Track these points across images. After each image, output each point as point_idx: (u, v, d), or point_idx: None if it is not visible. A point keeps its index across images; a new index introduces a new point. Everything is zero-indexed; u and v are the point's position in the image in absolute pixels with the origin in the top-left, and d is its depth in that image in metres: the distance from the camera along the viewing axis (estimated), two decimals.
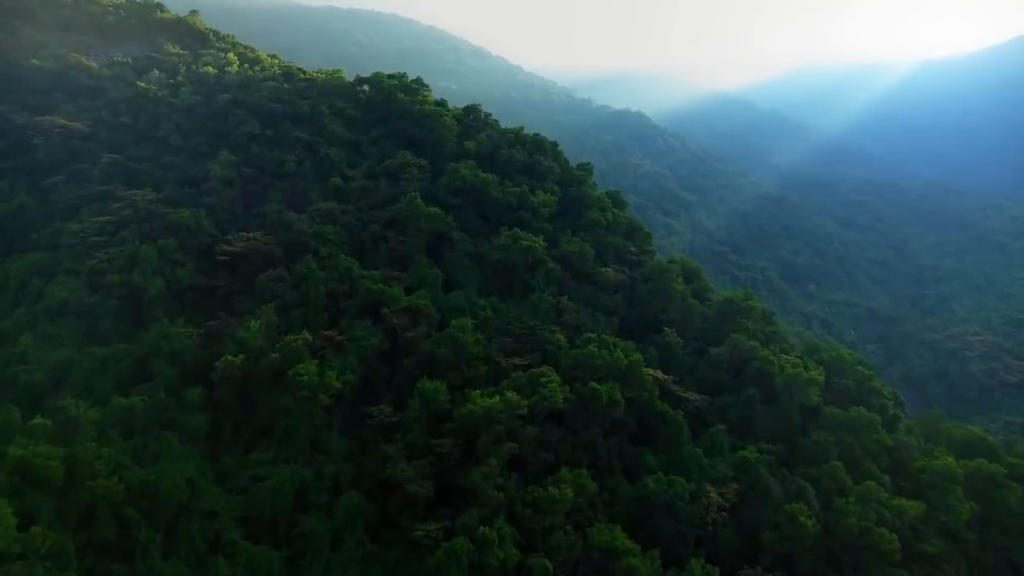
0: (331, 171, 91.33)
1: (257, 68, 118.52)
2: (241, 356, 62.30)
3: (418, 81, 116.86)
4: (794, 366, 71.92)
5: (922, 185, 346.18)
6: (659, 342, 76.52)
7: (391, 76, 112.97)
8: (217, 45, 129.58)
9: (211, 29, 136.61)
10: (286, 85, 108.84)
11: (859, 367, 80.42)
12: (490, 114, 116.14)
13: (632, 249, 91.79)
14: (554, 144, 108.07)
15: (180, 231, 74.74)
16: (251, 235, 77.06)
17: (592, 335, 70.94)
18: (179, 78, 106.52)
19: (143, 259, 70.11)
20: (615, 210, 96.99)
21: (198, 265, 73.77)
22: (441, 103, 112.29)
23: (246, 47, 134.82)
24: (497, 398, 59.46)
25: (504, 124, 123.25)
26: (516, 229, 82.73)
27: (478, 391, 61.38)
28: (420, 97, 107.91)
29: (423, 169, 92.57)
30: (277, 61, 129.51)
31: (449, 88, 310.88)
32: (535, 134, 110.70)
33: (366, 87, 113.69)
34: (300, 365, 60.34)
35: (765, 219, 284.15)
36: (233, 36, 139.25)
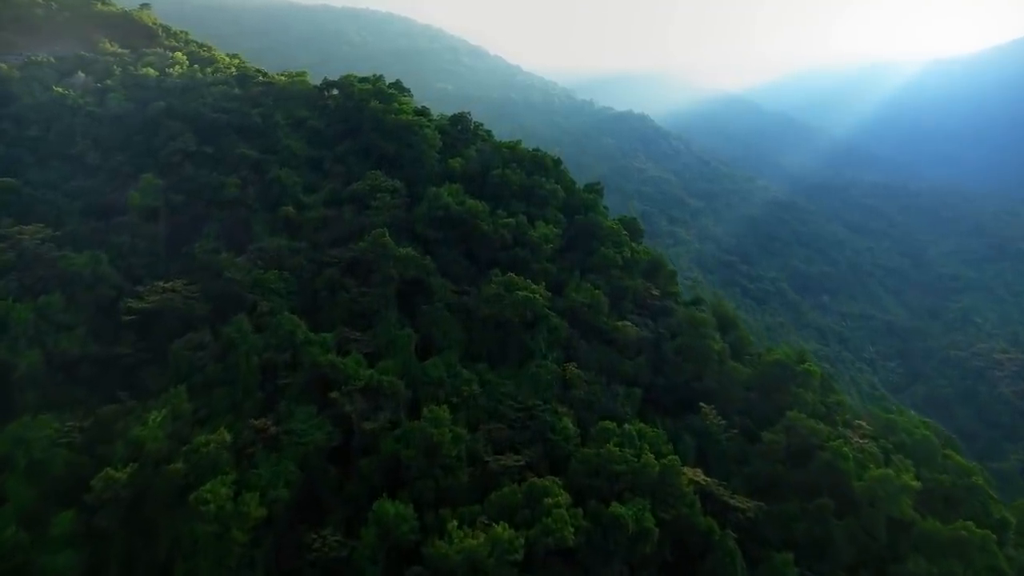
0: (283, 197, 73.97)
1: (209, 70, 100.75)
2: (132, 466, 45.36)
3: (397, 85, 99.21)
4: (876, 462, 54.77)
5: (932, 188, 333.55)
6: (696, 426, 59.32)
7: (363, 79, 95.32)
8: (166, 43, 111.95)
9: (162, 25, 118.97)
10: (237, 90, 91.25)
11: (949, 452, 63.04)
12: (481, 124, 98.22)
13: (654, 292, 74.37)
14: (557, 161, 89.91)
15: (71, 282, 57.54)
16: (169, 285, 59.87)
17: (610, 424, 53.77)
18: (109, 81, 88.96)
19: (15, 323, 52.91)
20: (632, 244, 79.05)
21: (94, 328, 56.57)
22: (423, 111, 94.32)
23: (201, 45, 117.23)
24: (483, 537, 42.32)
25: (502, 127, 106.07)
26: (511, 273, 65.49)
27: (456, 521, 44.36)
28: (397, 104, 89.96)
29: (397, 194, 75.41)
30: (236, 61, 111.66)
31: (446, 89, 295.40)
32: (535, 149, 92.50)
33: (335, 92, 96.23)
34: (206, 487, 43.19)
35: (774, 225, 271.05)
36: (187, 33, 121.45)
